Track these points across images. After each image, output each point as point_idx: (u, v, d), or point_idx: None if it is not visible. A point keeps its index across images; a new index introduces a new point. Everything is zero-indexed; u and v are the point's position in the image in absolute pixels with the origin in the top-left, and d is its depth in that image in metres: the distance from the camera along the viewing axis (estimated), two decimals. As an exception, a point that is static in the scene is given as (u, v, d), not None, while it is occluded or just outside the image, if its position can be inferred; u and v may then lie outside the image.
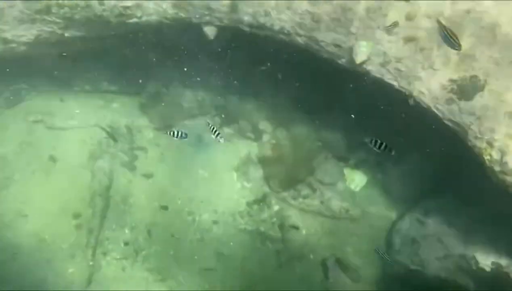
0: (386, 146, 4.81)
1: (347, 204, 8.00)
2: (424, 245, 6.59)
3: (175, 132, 5.38)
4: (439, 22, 4.26)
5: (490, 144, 4.19)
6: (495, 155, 4.15)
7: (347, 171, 8.50)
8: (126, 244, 7.29)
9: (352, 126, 7.77)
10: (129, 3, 5.28)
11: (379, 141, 4.87)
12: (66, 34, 5.98)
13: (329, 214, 7.97)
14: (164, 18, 5.60)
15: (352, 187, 8.39)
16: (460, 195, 6.33)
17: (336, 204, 8.04)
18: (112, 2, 5.25)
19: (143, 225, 7.59)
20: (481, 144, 4.27)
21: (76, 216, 7.23)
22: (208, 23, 5.47)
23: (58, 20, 5.60)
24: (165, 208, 7.78)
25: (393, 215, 7.65)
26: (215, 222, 7.83)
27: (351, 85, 5.97)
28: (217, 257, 7.30)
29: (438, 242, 6.51)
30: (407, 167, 7.47)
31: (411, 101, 4.82)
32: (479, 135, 4.27)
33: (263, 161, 8.45)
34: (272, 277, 7.22)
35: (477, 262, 5.88)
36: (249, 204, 8.05)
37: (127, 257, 7.19)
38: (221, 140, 5.45)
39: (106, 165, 7.77)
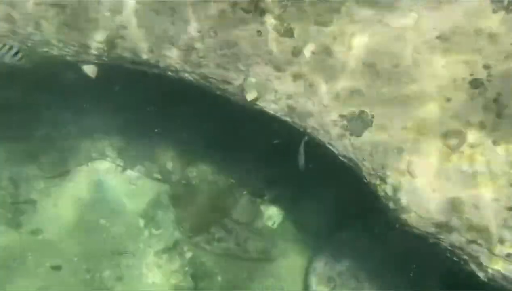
0: None
1: (264, 244, 7.61)
2: (340, 282, 6.35)
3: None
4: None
5: (383, 180, 4.03)
6: (389, 192, 3.99)
7: (263, 208, 8.16)
8: (7, 317, 6.20)
9: (262, 162, 7.51)
10: (-16, 41, 4.54)
11: None
12: None
13: (246, 256, 7.51)
14: (35, 57, 4.91)
15: (269, 224, 8.06)
16: (370, 230, 6.22)
17: (253, 244, 7.62)
18: (-37, 39, 4.48)
19: (30, 290, 6.55)
20: (375, 181, 4.11)
21: None
22: (85, 61, 4.89)
23: None
24: (57, 268, 6.83)
25: (309, 252, 7.39)
26: (118, 279, 7.01)
27: (252, 122, 5.67)
28: (122, 320, 6.48)
29: (353, 279, 6.31)
30: (320, 202, 7.31)
31: (306, 138, 4.60)
32: (372, 172, 4.10)
33: (173, 204, 7.84)
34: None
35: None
36: (157, 254, 7.34)
37: (7, 334, 6.10)
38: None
39: (-19, 224, 6.67)
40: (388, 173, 3.98)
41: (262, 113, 4.91)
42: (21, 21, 4.38)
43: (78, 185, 7.59)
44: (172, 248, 7.47)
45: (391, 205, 3.99)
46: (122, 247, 7.31)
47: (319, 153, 5.49)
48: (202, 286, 7.22)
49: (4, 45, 4.22)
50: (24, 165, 7.41)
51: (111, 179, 7.73)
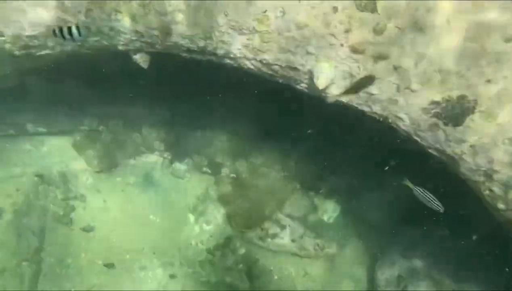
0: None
1: (321, 240, 7.13)
2: (412, 283, 5.79)
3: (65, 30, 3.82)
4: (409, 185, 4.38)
5: (489, 177, 3.43)
6: (497, 190, 3.40)
7: (318, 201, 7.67)
8: (64, 315, 6.08)
9: (318, 154, 6.99)
10: (34, 32, 4.23)
11: None
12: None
13: (302, 253, 7.07)
14: (82, 48, 4.58)
15: (325, 218, 7.56)
16: (447, 226, 5.60)
17: (310, 240, 7.16)
18: (11, 31, 4.18)
19: (85, 288, 6.41)
20: (478, 178, 3.52)
21: (-2, 289, 5.94)
22: (138, 50, 4.50)
23: None
24: (110, 265, 6.64)
25: (374, 248, 6.85)
26: (172, 277, 6.76)
27: (314, 111, 5.14)
28: (176, 320, 6.22)
29: (427, 278, 5.73)
30: (385, 194, 6.71)
31: (386, 128, 4.04)
32: (474, 167, 3.51)
33: (223, 198, 7.47)
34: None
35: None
36: (210, 251, 7.03)
37: (65, 333, 5.97)
38: None
39: (34, 221, 6.53)
40: (496, 168, 3.37)
41: (324, 100, 4.38)
42: (73, 10, 4.02)
43: (127, 179, 7.35)
44: (224, 245, 7.13)
45: (501, 205, 3.40)
46: (174, 243, 7.03)
47: (383, 139, 4.93)
48: (257, 285, 6.84)
49: (61, 28, 3.86)
50: (72, 159, 7.21)
51: (159, 173, 7.45)
